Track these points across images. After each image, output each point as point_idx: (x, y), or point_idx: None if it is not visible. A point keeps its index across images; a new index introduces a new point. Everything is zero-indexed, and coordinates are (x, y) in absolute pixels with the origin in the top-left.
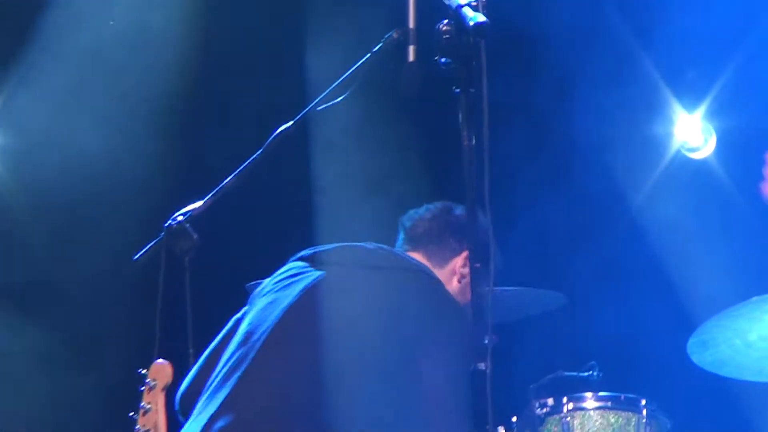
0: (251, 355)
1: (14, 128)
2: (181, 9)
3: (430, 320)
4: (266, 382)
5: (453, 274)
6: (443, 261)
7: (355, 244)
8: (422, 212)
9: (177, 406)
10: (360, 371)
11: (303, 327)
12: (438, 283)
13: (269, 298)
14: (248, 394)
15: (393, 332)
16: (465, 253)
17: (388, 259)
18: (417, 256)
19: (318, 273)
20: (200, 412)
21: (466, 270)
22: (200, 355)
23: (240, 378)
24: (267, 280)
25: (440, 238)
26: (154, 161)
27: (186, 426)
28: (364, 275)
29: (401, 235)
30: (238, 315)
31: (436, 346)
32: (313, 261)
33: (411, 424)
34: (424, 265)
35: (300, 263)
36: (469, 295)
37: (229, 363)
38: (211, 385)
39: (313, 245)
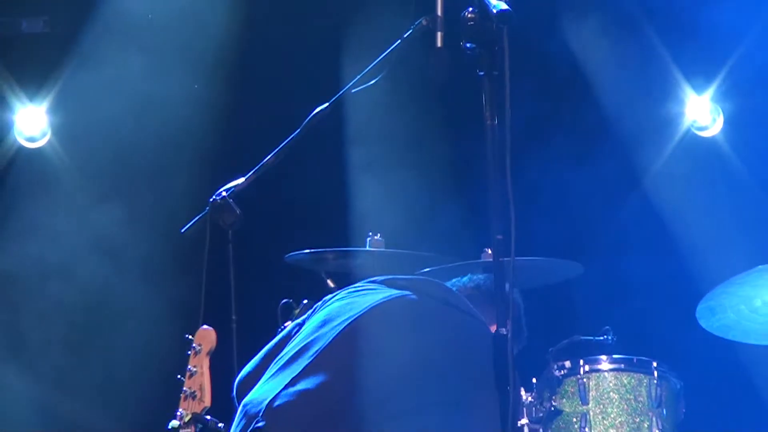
0: (334, 334)
1: (69, 108)
2: None
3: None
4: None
5: None
6: None
7: (428, 278)
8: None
9: (234, 392)
10: (419, 387)
11: (384, 326)
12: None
13: (347, 300)
14: (336, 358)
15: (460, 366)
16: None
17: (459, 300)
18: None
19: (396, 292)
20: (272, 378)
21: None
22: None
23: (325, 348)
24: (339, 292)
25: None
26: (200, 139)
27: (257, 387)
28: (437, 306)
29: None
30: (298, 321)
31: (488, 397)
32: (385, 284)
33: None
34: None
35: (373, 285)
36: None
37: (304, 342)
38: (278, 363)
39: (348, 219)
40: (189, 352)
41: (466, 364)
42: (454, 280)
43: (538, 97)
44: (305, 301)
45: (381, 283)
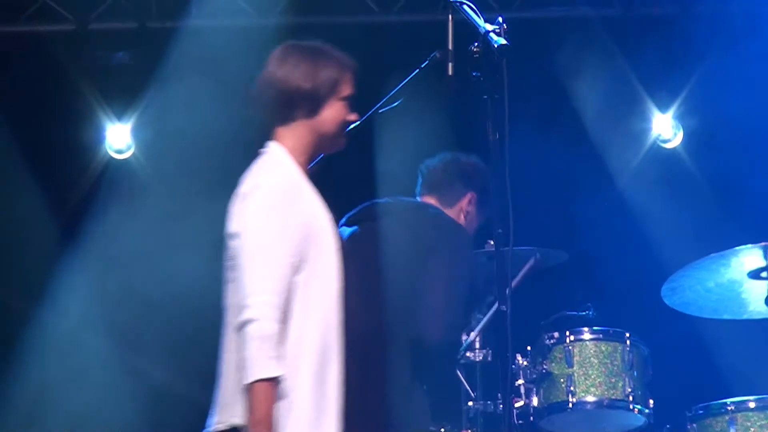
0: None
1: (149, 126)
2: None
3: (439, 236)
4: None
5: (460, 211)
6: (452, 202)
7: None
8: (435, 161)
9: None
10: (396, 276)
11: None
12: (441, 211)
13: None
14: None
15: (414, 245)
16: (469, 195)
17: (402, 205)
18: (431, 200)
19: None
20: None
21: (471, 208)
22: None
23: None
24: None
25: (449, 183)
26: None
27: None
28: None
29: (419, 181)
30: None
31: (444, 252)
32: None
33: (423, 310)
34: (429, 203)
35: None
36: (472, 228)
37: None
38: None
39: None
40: None
41: (418, 242)
42: None
43: (530, 111)
44: None
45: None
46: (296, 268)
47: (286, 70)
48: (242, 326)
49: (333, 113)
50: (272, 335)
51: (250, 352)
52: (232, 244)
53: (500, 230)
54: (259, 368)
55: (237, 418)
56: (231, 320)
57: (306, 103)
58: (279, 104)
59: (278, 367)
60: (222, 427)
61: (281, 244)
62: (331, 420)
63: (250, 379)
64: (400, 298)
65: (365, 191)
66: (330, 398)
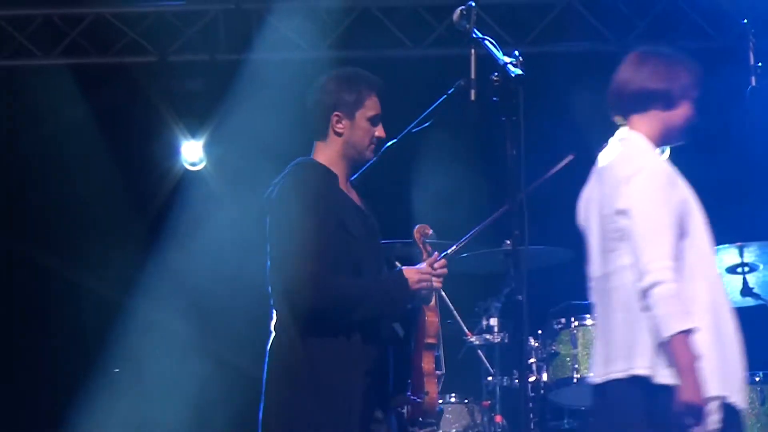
0: None
1: (219, 142)
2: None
3: (279, 194)
4: None
5: (333, 135)
6: (325, 132)
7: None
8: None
9: None
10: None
11: None
12: (292, 168)
13: None
14: None
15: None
16: (333, 118)
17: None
18: (317, 144)
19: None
20: None
21: (339, 125)
22: None
23: None
24: None
25: (318, 119)
26: None
27: None
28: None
29: None
30: None
31: (280, 207)
32: None
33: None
34: (297, 161)
35: None
36: (358, 138)
37: None
38: None
39: (410, 217)
40: None
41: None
42: None
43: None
44: None
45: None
46: (680, 237)
47: (645, 71)
48: (648, 289)
49: (684, 111)
50: (676, 294)
51: (664, 310)
52: (620, 220)
53: (517, 231)
54: (676, 322)
55: (640, 369)
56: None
57: (661, 100)
58: (637, 98)
59: (691, 320)
60: (620, 375)
61: (669, 217)
62: (734, 371)
63: (671, 332)
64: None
65: (401, 201)
66: (729, 351)
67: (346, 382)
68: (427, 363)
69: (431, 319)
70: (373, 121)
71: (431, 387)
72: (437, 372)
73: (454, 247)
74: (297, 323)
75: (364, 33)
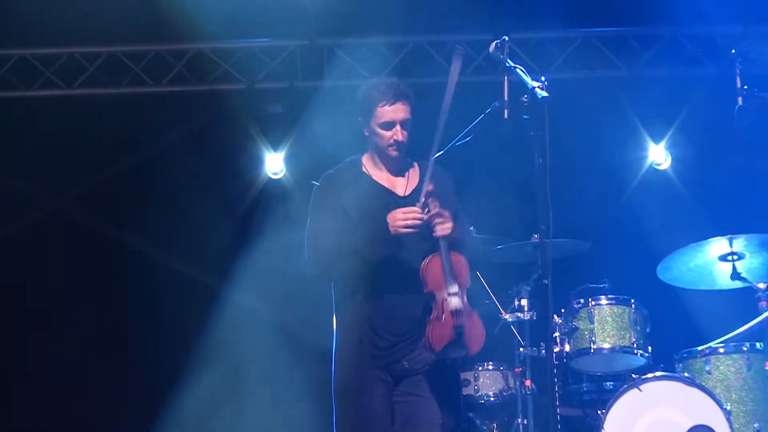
0: None
1: (298, 154)
2: None
3: None
4: None
5: (366, 139)
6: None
7: None
8: None
9: None
10: None
11: None
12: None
13: None
14: None
15: None
16: (361, 124)
17: None
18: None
19: None
20: None
21: (365, 132)
22: None
23: None
24: None
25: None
26: None
27: None
28: None
29: None
30: None
31: None
32: None
33: None
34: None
35: None
36: (377, 141)
37: None
38: None
39: None
40: None
41: None
42: None
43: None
44: None
45: None
46: None
47: None
48: None
49: None
50: None
51: None
52: None
53: (543, 227)
54: None
55: None
56: None
57: None
58: None
59: None
60: None
61: None
62: None
63: None
64: None
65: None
66: None
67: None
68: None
69: (423, 266)
70: (385, 126)
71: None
72: (429, 317)
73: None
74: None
75: (416, 63)
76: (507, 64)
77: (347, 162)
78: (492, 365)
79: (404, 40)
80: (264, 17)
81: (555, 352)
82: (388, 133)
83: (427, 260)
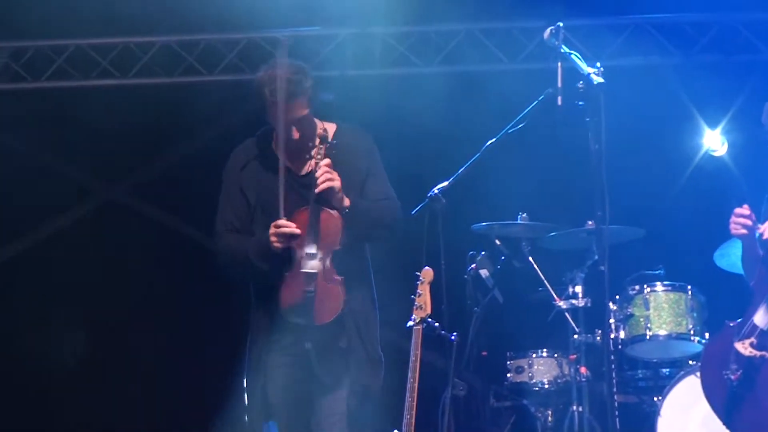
0: None
1: None
2: None
3: None
4: None
5: None
6: None
7: None
8: None
9: None
10: None
11: None
12: None
13: None
14: None
15: None
16: None
17: None
18: None
19: None
20: None
21: None
22: None
23: None
24: None
25: None
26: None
27: None
28: None
29: None
30: None
31: None
32: None
33: None
34: None
35: None
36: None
37: None
38: None
39: (507, 203)
40: (418, 282)
41: None
42: None
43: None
44: (483, 253)
45: None
46: None
47: None
48: None
49: None
50: None
51: None
52: None
53: (599, 212)
54: None
55: None
56: None
57: None
58: None
59: None
60: None
61: None
62: None
63: None
64: None
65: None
66: None
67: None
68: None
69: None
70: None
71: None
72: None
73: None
74: None
75: (467, 51)
76: (561, 51)
77: (259, 134)
78: (546, 352)
79: (456, 28)
80: (315, 5)
81: (611, 339)
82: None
83: (296, 213)
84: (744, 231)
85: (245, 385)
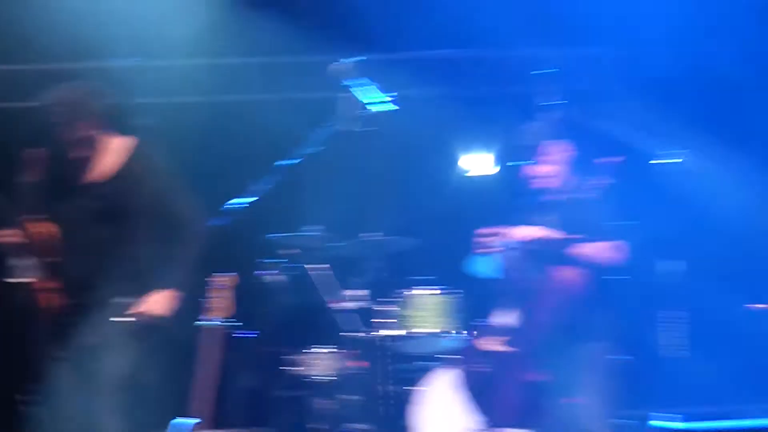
0: None
1: None
2: None
3: None
4: None
5: None
6: None
7: None
8: None
9: None
10: None
11: None
12: None
13: None
14: None
15: None
16: None
17: None
18: None
19: None
20: None
21: None
22: None
23: None
24: None
25: None
26: None
27: None
28: None
29: None
30: None
31: None
32: None
33: None
34: None
35: None
36: None
37: None
38: None
39: None
40: (214, 287)
41: None
42: None
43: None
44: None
45: None
46: None
47: None
48: None
49: None
50: None
51: None
52: None
53: (376, 225)
54: None
55: None
56: None
57: None
58: None
59: None
60: None
61: None
62: None
63: None
64: None
65: None
66: None
67: None
68: None
69: None
70: None
71: None
72: None
73: None
74: None
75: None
76: (343, 83)
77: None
78: (326, 348)
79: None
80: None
81: (382, 336)
82: None
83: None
84: (485, 249)
85: None
